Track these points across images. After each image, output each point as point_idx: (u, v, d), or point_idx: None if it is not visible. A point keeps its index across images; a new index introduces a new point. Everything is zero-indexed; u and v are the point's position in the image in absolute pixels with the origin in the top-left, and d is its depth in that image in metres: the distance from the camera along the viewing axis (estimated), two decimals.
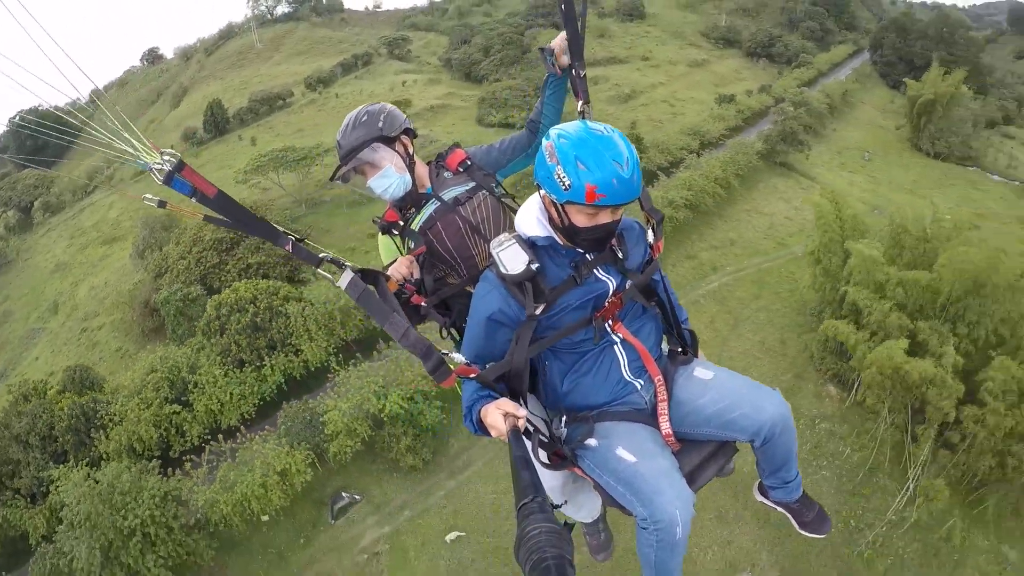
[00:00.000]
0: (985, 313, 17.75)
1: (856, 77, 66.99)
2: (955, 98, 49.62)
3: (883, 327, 18.60)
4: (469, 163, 3.41)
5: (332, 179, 3.38)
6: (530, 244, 2.65)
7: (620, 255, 2.74)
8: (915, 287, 18.63)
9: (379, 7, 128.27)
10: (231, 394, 22.88)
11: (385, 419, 20.52)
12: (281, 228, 2.51)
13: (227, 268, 29.65)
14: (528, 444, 2.51)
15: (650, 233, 2.91)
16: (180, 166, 2.14)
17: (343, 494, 20.57)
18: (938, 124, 50.33)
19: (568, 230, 2.58)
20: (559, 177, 2.42)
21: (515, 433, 2.33)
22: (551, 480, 3.16)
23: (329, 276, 2.62)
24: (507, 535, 18.43)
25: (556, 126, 2.55)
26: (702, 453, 2.78)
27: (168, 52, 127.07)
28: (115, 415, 22.37)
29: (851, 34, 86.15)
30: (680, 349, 3.05)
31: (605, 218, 2.52)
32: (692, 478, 2.70)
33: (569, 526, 2.22)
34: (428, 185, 3.37)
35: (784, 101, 48.28)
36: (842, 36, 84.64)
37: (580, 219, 2.52)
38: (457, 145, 3.56)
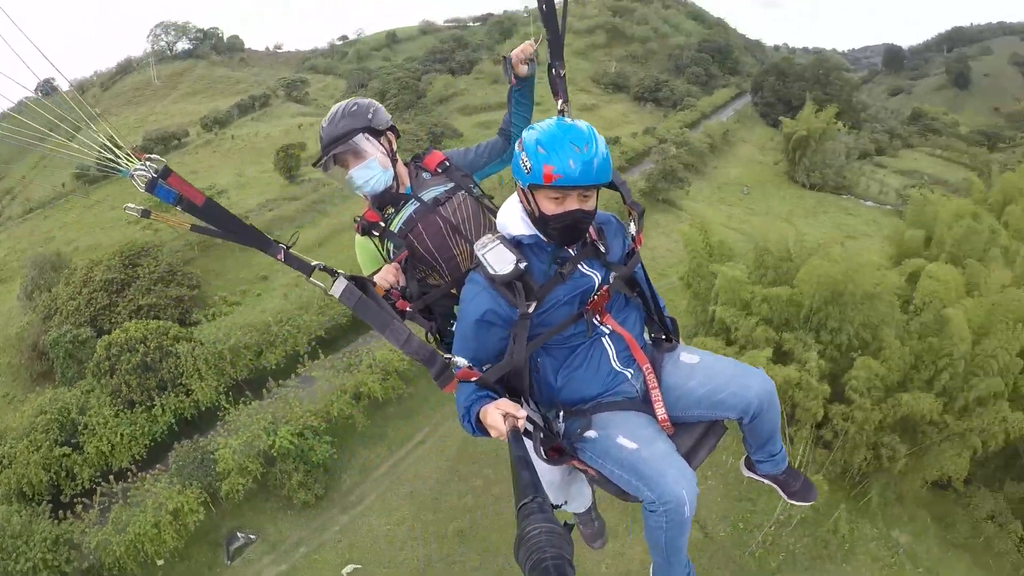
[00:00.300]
0: (846, 320, 19.27)
1: (738, 118, 72.06)
2: (827, 133, 53.75)
3: (751, 340, 20.06)
4: (447, 164, 3.46)
5: (315, 165, 3.36)
6: (515, 243, 2.75)
7: (602, 249, 2.86)
8: (778, 302, 20.08)
9: (280, 48, 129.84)
10: (122, 435, 22.53)
11: (276, 455, 20.78)
12: (272, 237, 2.60)
13: (118, 309, 29.20)
14: (529, 443, 2.61)
15: (632, 226, 3.03)
16: (166, 173, 2.15)
17: (238, 534, 20.53)
18: (812, 157, 54.41)
19: (540, 220, 2.68)
20: (523, 162, 2.58)
21: (515, 433, 2.35)
22: (549, 475, 3.21)
23: (321, 285, 2.60)
24: (403, 564, 19.18)
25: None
26: (694, 435, 2.91)
27: (64, 84, 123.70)
28: (3, 458, 21.92)
29: (734, 78, 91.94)
30: (663, 336, 3.16)
31: (572, 204, 2.60)
32: (688, 459, 2.78)
33: (569, 526, 2.55)
34: (408, 185, 3.42)
35: (667, 142, 51.32)
36: (725, 80, 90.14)
37: (548, 206, 2.62)
38: (435, 147, 3.59)
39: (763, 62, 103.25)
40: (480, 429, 2.60)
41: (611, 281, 2.84)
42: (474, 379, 2.56)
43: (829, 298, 19.24)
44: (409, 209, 3.30)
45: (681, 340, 3.21)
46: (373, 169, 3.26)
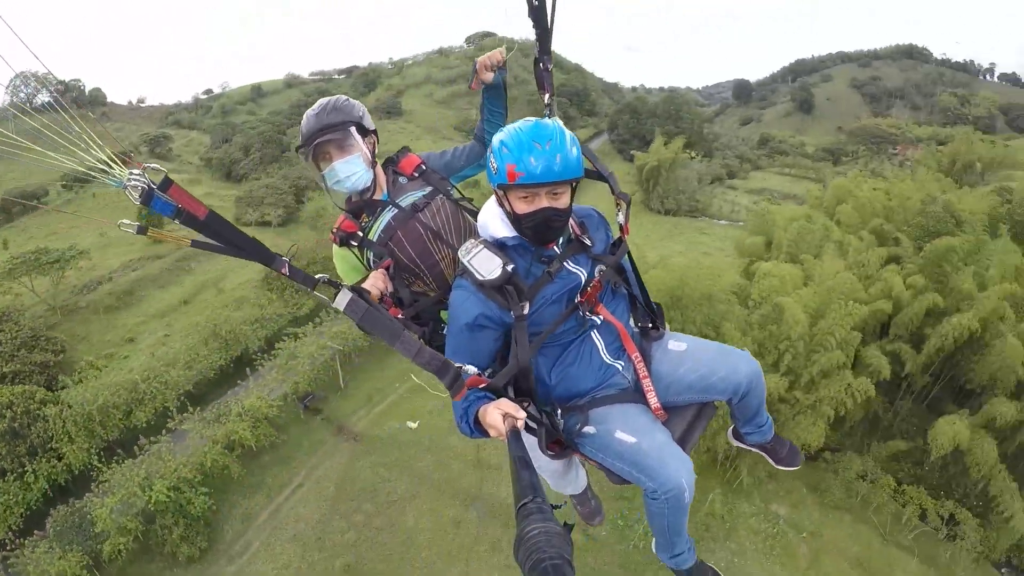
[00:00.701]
0: (687, 319, 21.55)
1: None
2: (677, 161, 58.65)
3: None
4: (424, 168, 3.40)
5: (298, 149, 3.23)
6: (499, 245, 2.76)
7: (588, 243, 2.90)
8: None
9: (143, 102, 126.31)
10: None
11: (155, 511, 21.09)
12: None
13: None
14: (532, 440, 2.71)
15: (620, 215, 3.06)
16: (166, 184, 1.97)
17: None
18: (665, 185, 59.25)
19: (515, 220, 2.68)
20: (491, 163, 2.60)
21: (515, 433, 2.33)
22: (550, 464, 3.32)
23: (325, 298, 2.54)
24: None
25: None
26: (686, 418, 3.01)
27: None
28: None
29: (592, 119, 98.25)
30: (650, 325, 3.18)
31: (542, 202, 2.60)
32: (682, 443, 2.89)
33: (569, 526, 2.49)
34: (384, 191, 3.34)
35: None
36: (584, 121, 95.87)
37: (520, 205, 2.63)
38: (407, 149, 3.54)
39: (619, 102, 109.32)
40: (479, 430, 2.60)
41: (599, 273, 2.90)
42: (483, 386, 2.52)
43: (670, 303, 21.46)
44: (387, 216, 3.25)
45: (667, 326, 3.27)
46: (357, 165, 3.20)
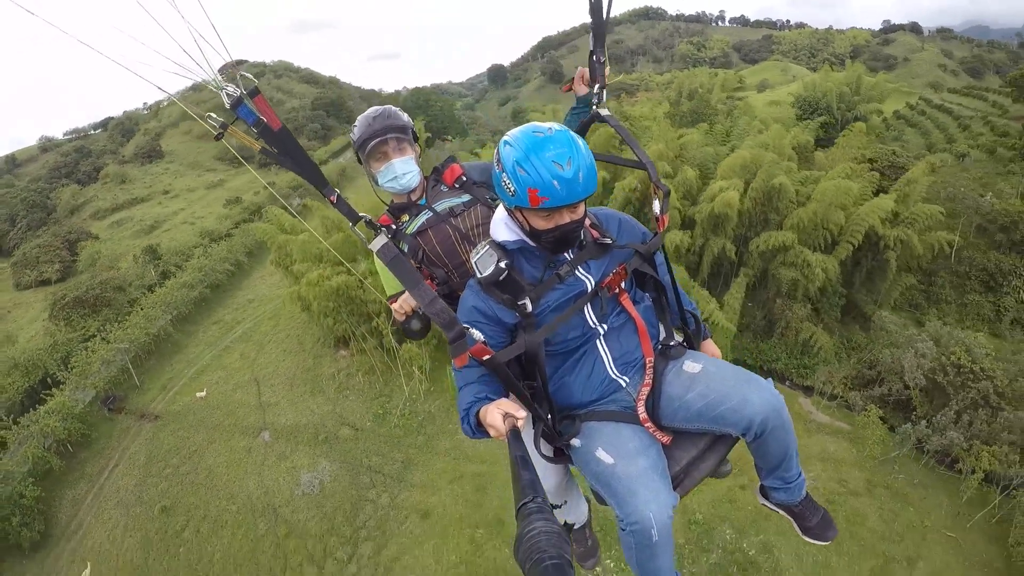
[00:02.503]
0: None
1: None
2: (427, 144, 65.27)
3: None
4: (464, 179, 3.52)
5: (360, 144, 3.44)
6: (502, 247, 2.72)
7: (608, 240, 2.81)
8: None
9: None
10: None
11: None
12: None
13: None
14: (529, 439, 2.71)
15: (656, 205, 2.90)
16: (254, 92, 2.19)
17: None
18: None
19: (532, 234, 2.64)
20: (505, 184, 2.49)
21: (515, 433, 2.32)
22: (549, 479, 3.26)
23: (363, 236, 2.68)
24: (127, 554, 24.75)
25: (508, 132, 2.62)
26: (698, 446, 2.76)
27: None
28: None
29: (351, 125, 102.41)
30: (674, 341, 3.03)
31: (563, 218, 2.54)
32: (687, 472, 2.71)
33: (568, 526, 2.81)
34: (423, 197, 3.52)
35: (287, 194, 60.02)
36: (343, 128, 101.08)
37: (538, 222, 2.57)
38: (453, 159, 3.64)
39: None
40: (480, 431, 2.58)
41: (623, 264, 2.80)
42: (486, 357, 2.41)
43: None
44: (423, 217, 3.41)
45: (710, 341, 3.20)
46: (411, 165, 3.44)
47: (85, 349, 35.09)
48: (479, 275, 2.67)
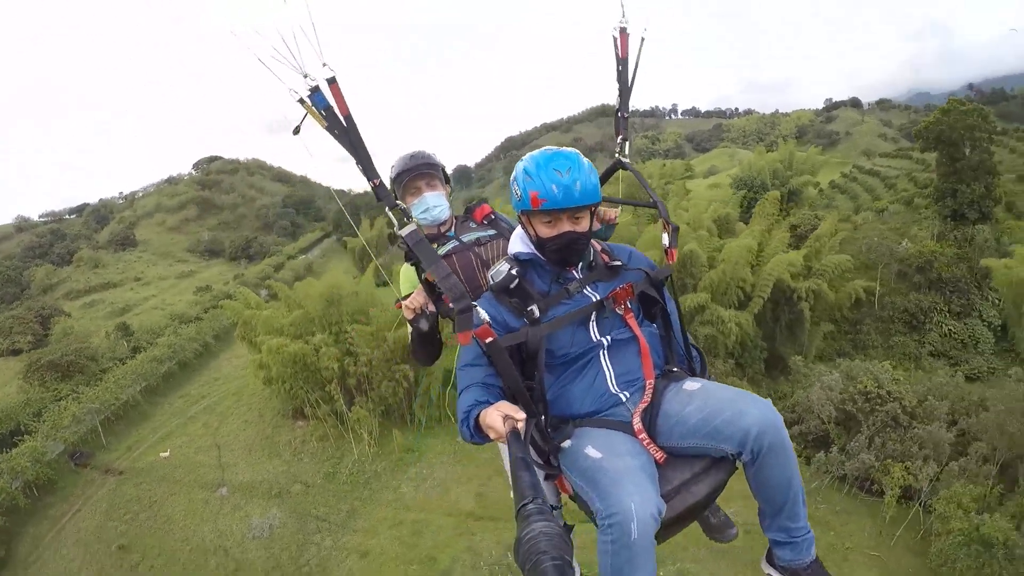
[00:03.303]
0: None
1: (322, 253, 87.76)
2: (382, 240, 68.88)
3: None
4: (493, 217, 3.80)
5: (397, 178, 3.64)
6: (516, 260, 2.87)
7: (619, 263, 2.94)
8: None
9: None
10: None
11: None
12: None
13: None
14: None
15: (665, 238, 3.04)
16: (332, 81, 2.51)
17: None
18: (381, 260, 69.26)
19: (539, 244, 2.80)
20: (515, 191, 2.75)
21: (515, 434, 2.35)
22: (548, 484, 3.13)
23: (395, 220, 2.81)
24: None
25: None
26: (693, 468, 2.64)
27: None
28: None
29: (319, 223, 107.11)
30: (688, 371, 3.03)
31: (564, 227, 2.71)
32: (677, 492, 2.58)
33: (569, 527, 2.72)
34: (452, 228, 3.75)
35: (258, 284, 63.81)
36: (311, 226, 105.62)
37: (543, 230, 2.75)
38: (485, 200, 4.00)
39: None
40: (478, 434, 2.61)
41: (629, 284, 2.86)
42: (489, 339, 2.54)
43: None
44: (449, 245, 3.61)
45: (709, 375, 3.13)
46: (442, 200, 3.67)
47: (57, 407, 38.02)
48: (491, 282, 2.82)
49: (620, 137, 3.50)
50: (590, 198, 2.67)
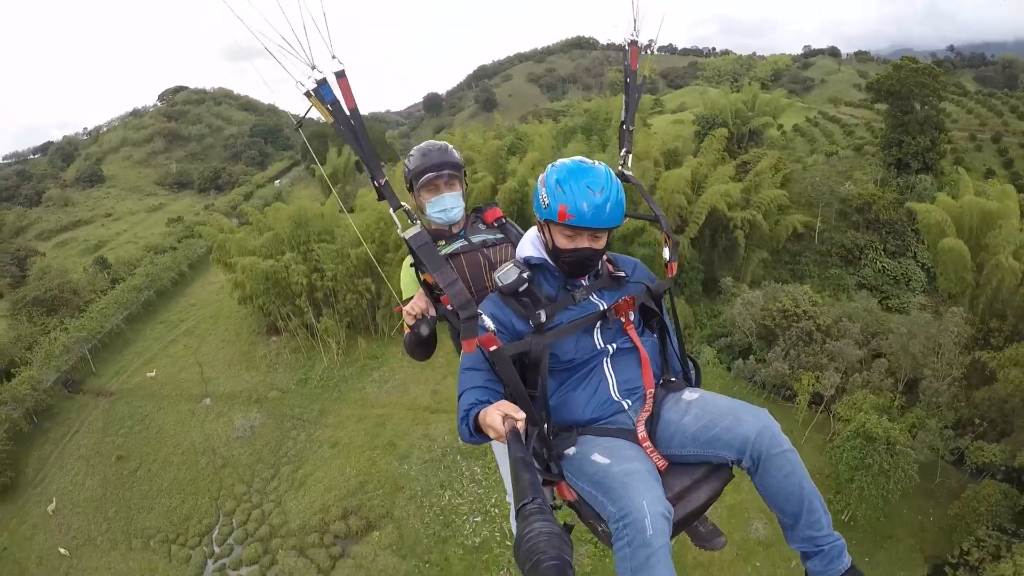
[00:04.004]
0: None
1: (291, 182, 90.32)
2: (352, 167, 71.66)
3: None
4: (503, 221, 3.83)
5: (420, 176, 3.62)
6: (525, 263, 2.94)
7: (623, 274, 3.04)
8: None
9: None
10: None
11: None
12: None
13: None
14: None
15: (666, 251, 3.16)
16: (341, 75, 2.48)
17: None
18: (346, 188, 71.96)
19: (553, 252, 2.87)
20: (542, 198, 2.79)
21: (515, 435, 2.35)
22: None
23: (399, 222, 2.79)
24: (88, 492, 31.34)
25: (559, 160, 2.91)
26: (692, 476, 2.74)
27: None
28: None
29: (288, 152, 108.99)
30: (683, 380, 3.15)
31: (583, 243, 2.78)
32: (680, 498, 2.66)
33: (568, 527, 2.52)
34: (462, 229, 3.77)
35: (228, 213, 66.77)
36: (280, 155, 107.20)
37: (561, 241, 2.81)
38: (495, 204, 3.99)
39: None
40: (478, 433, 2.63)
41: (631, 296, 2.96)
42: (493, 348, 2.59)
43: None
44: (457, 244, 3.64)
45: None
46: (460, 200, 3.70)
47: (47, 339, 41.56)
48: (500, 284, 2.86)
49: (624, 150, 3.52)
50: (616, 221, 2.75)
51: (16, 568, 28.04)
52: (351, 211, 45.05)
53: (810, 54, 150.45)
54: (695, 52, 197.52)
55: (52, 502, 31.21)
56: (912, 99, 46.05)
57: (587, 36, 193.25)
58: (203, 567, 26.11)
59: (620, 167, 3.36)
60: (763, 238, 41.49)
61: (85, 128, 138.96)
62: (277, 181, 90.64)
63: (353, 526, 25.95)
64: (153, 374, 39.49)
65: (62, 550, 28.39)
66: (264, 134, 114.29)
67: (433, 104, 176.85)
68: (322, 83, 2.47)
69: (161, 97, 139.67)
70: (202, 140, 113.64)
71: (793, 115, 70.87)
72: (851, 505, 23.92)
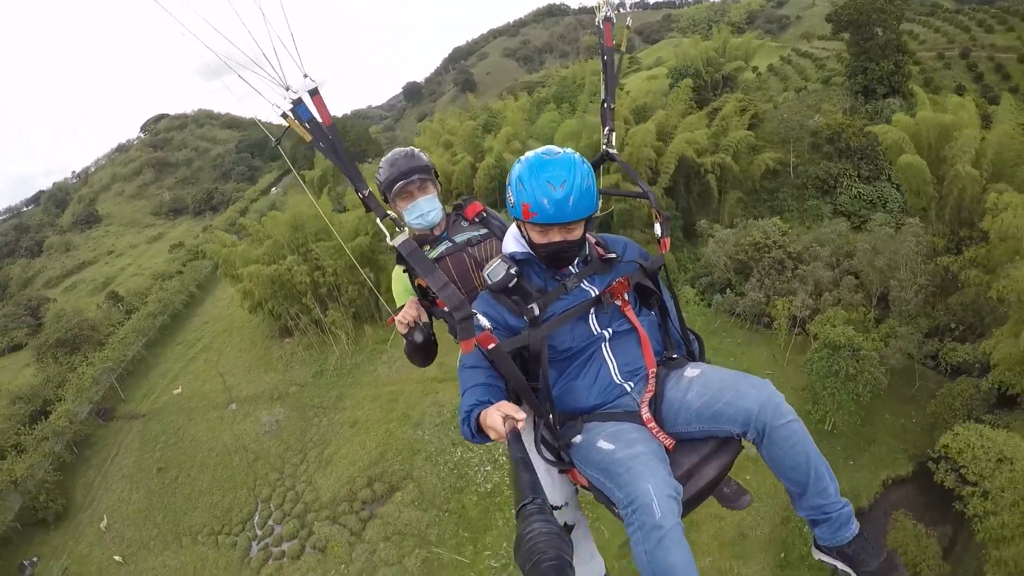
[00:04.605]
0: None
1: (284, 190, 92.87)
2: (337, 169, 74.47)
3: None
4: (484, 215, 3.91)
5: (390, 185, 3.70)
6: (512, 259, 3.00)
7: (613, 255, 3.08)
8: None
9: None
10: None
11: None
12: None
13: None
14: (531, 437, 2.82)
15: (658, 227, 3.22)
16: (315, 92, 2.58)
17: (24, 563, 34.23)
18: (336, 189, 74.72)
19: (531, 246, 2.94)
20: (508, 196, 2.85)
21: (515, 435, 2.38)
22: (555, 488, 3.25)
23: (386, 231, 2.89)
24: (134, 506, 34.39)
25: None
26: (700, 452, 2.80)
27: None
28: None
29: (276, 162, 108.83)
30: (686, 354, 3.21)
31: (554, 236, 2.83)
32: (689, 475, 2.74)
33: (568, 527, 2.78)
34: (444, 230, 3.84)
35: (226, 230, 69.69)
36: (269, 167, 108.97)
37: (534, 235, 2.87)
38: (474, 197, 4.08)
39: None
40: (480, 434, 2.67)
41: (626, 275, 3.03)
42: (491, 346, 2.65)
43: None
44: (442, 247, 3.73)
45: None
46: (435, 203, 3.75)
47: (76, 375, 44.63)
48: (489, 282, 2.93)
49: (607, 128, 3.57)
50: (583, 212, 2.76)
51: None
52: (344, 210, 48.49)
53: None
54: (668, 4, 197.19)
55: (103, 519, 34.01)
56: (872, 26, 47.52)
57: (558, 2, 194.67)
58: (248, 549, 28.99)
59: (604, 146, 3.57)
60: (736, 179, 43.67)
61: (73, 171, 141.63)
62: (273, 189, 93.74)
63: (378, 491, 28.87)
64: (179, 391, 42.62)
65: (117, 557, 31.24)
66: (251, 148, 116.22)
67: (413, 93, 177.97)
68: (298, 103, 2.60)
69: (144, 128, 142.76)
70: (190, 164, 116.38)
71: (767, 55, 72.31)
72: (829, 412, 25.70)
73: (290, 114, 2.61)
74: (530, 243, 2.92)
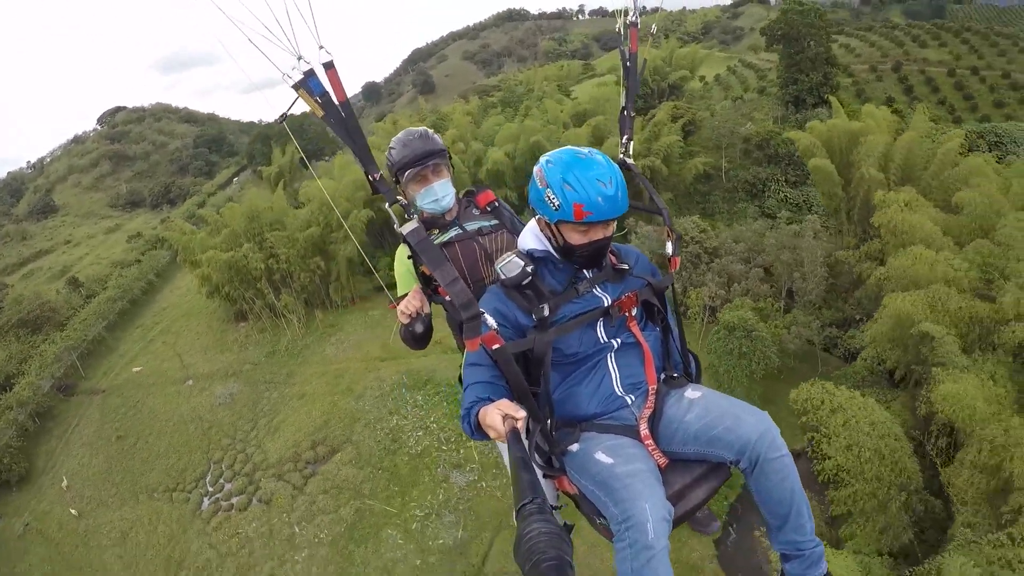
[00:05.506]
0: None
1: (241, 186, 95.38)
2: (291, 167, 77.40)
3: None
4: (496, 204, 3.94)
5: (405, 168, 3.69)
6: (528, 255, 3.03)
7: (624, 266, 3.13)
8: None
9: None
10: None
11: None
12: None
13: None
14: (525, 443, 2.67)
15: (669, 246, 3.29)
16: (330, 65, 2.50)
17: None
18: (289, 188, 77.58)
19: (564, 249, 2.96)
20: (549, 199, 2.83)
21: (515, 435, 2.43)
22: (549, 488, 3.25)
23: (396, 218, 2.87)
24: (94, 469, 38.07)
25: (545, 153, 2.97)
26: (693, 473, 2.87)
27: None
28: None
29: (233, 158, 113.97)
30: (675, 375, 3.23)
31: (597, 234, 2.89)
32: (680, 496, 2.81)
33: (568, 527, 2.78)
34: (455, 215, 3.87)
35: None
36: (227, 162, 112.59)
37: (574, 237, 2.90)
38: (487, 185, 4.27)
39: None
40: (480, 431, 2.72)
41: (636, 290, 3.09)
42: (496, 346, 2.65)
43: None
44: (452, 232, 3.75)
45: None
46: (450, 187, 3.77)
47: (38, 352, 48.22)
48: (503, 277, 2.93)
49: (625, 137, 3.60)
50: (626, 205, 2.86)
51: (40, 536, 34.22)
52: (298, 207, 52.23)
53: (739, 3, 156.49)
54: (625, 14, 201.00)
55: (64, 480, 37.29)
56: (803, 39, 51.98)
57: (518, 8, 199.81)
58: (200, 504, 32.76)
59: (621, 155, 3.56)
60: (667, 182, 47.70)
61: (28, 161, 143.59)
62: (227, 188, 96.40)
63: (320, 452, 33.04)
64: (139, 369, 46.33)
65: (72, 511, 34.71)
66: (208, 144, 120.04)
67: (372, 92, 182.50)
68: (310, 74, 2.50)
69: (101, 120, 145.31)
70: (148, 158, 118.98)
71: (716, 65, 77.33)
72: (723, 386, 28.51)
73: (301, 86, 2.54)
74: (565, 247, 2.98)
